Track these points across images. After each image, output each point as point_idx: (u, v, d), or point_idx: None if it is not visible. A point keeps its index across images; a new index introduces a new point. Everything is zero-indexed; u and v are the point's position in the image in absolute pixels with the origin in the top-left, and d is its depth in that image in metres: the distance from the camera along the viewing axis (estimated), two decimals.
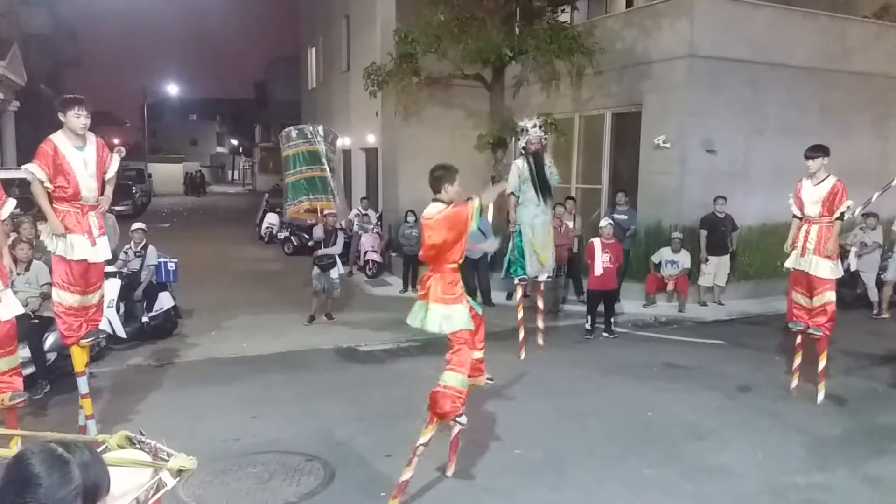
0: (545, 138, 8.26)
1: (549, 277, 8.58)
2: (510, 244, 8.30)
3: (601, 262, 8.97)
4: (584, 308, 10.59)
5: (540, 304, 8.53)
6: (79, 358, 5.34)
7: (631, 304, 10.99)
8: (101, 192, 5.34)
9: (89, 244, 5.14)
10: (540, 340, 8.34)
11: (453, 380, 4.46)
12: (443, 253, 4.45)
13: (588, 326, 9.17)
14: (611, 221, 9.44)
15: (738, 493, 4.73)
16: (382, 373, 7.66)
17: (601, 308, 9.24)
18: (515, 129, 12.87)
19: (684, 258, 10.85)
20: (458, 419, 4.57)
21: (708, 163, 11.83)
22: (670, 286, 10.95)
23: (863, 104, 12.89)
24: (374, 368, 7.85)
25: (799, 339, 6.73)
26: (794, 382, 6.78)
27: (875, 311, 10.31)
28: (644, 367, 7.84)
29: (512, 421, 6.01)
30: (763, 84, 12.08)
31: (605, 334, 9.14)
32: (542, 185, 8.02)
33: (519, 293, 8.33)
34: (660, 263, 10.98)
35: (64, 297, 5.19)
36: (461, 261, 4.57)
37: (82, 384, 5.35)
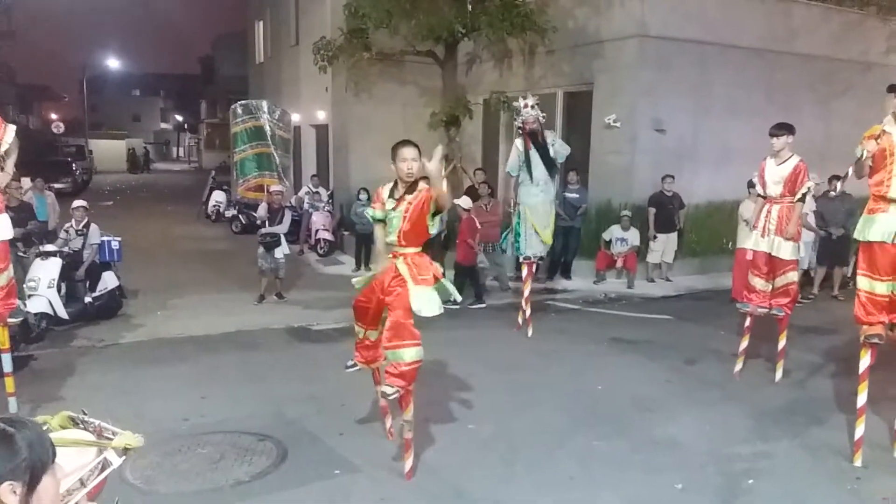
0: (542, 117, 8.07)
1: (540, 259, 8.55)
2: (511, 224, 8.33)
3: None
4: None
5: (527, 287, 8.45)
6: None
7: (582, 281, 11.16)
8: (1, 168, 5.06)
9: None
10: (519, 320, 8.33)
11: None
12: None
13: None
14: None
15: (685, 464, 4.84)
16: (335, 352, 7.54)
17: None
18: (469, 106, 12.88)
19: (633, 236, 11.03)
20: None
21: (657, 142, 12.00)
22: (620, 263, 11.13)
23: (807, 85, 13.22)
24: (327, 347, 7.76)
25: (748, 321, 6.63)
26: (739, 366, 6.69)
27: (813, 290, 10.57)
28: (594, 342, 7.96)
29: (465, 397, 6.04)
30: (711, 64, 12.27)
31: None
32: (546, 163, 7.92)
33: (524, 271, 8.31)
34: (610, 241, 11.14)
35: None
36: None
37: (6, 362, 5.25)
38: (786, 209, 6.29)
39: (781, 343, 6.59)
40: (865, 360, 4.88)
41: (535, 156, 7.91)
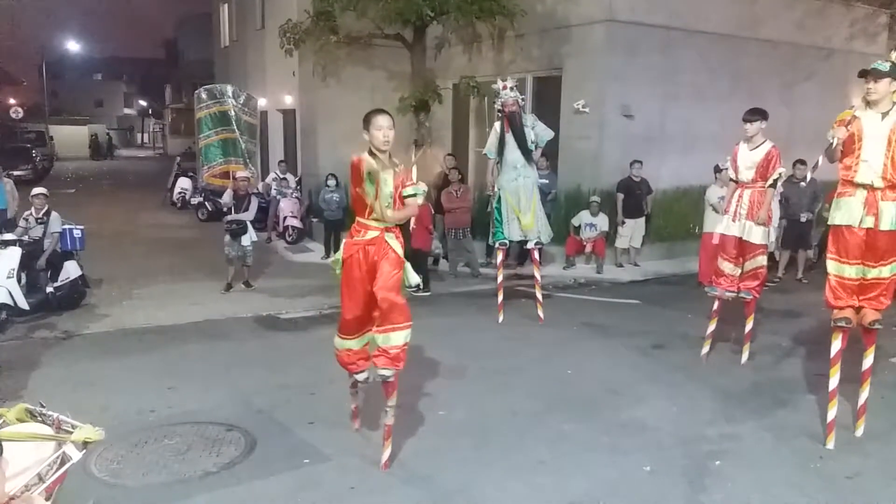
0: (522, 99, 7.90)
1: (538, 244, 8.19)
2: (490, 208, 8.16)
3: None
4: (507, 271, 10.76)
5: (536, 273, 8.30)
6: None
7: (551, 267, 11.20)
8: None
9: None
10: (539, 312, 8.16)
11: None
12: None
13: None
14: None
15: (652, 446, 4.90)
16: (304, 340, 7.54)
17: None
18: (438, 91, 12.80)
19: (602, 221, 11.10)
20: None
21: (625, 128, 12.06)
22: (589, 248, 11.20)
23: (771, 71, 13.37)
24: (296, 336, 7.71)
25: (716, 305, 6.69)
26: (706, 349, 6.77)
27: (778, 273, 10.74)
28: (564, 326, 8.01)
29: (437, 383, 6.04)
30: (678, 50, 12.34)
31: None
32: (520, 146, 7.71)
33: (499, 257, 8.22)
34: (579, 226, 11.19)
35: None
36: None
37: None
38: (757, 194, 6.34)
39: (748, 326, 6.70)
40: (837, 344, 4.93)
41: (510, 139, 7.75)
